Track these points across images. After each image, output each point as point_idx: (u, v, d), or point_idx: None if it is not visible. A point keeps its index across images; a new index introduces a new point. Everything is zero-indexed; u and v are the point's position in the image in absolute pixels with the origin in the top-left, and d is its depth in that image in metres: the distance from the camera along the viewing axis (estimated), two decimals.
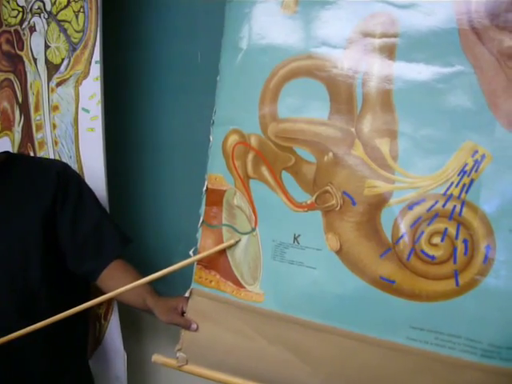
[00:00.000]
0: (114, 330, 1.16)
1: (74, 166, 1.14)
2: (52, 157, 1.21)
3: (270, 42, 0.78)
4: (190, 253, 0.85)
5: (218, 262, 0.83)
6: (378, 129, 0.70)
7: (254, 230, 0.80)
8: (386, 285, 0.69)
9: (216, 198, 0.84)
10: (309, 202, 0.75)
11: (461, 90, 0.65)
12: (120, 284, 0.94)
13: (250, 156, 0.81)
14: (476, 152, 0.64)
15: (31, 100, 1.23)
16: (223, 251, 0.82)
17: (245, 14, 0.81)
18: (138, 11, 1.18)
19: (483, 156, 0.64)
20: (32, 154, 1.24)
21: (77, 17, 1.11)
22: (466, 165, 0.65)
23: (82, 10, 1.10)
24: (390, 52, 0.69)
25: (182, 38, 1.12)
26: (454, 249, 0.65)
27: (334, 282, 0.73)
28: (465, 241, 0.65)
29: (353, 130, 0.71)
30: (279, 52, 0.77)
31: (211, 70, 0.87)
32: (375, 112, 0.70)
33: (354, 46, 0.72)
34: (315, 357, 0.75)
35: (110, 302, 1.15)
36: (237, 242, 0.82)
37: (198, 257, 0.84)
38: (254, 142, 0.80)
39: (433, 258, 0.67)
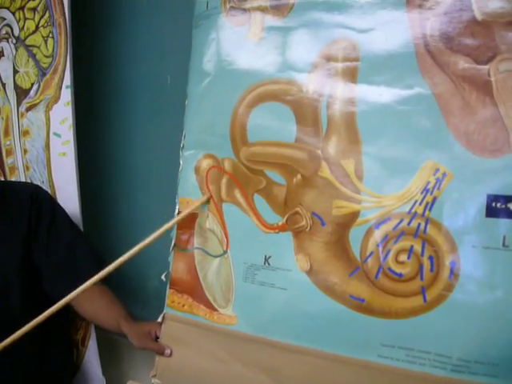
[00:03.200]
0: (92, 356, 1.14)
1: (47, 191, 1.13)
2: None
3: (237, 68, 0.80)
4: (162, 277, 0.85)
5: (190, 286, 0.83)
6: (342, 150, 0.71)
7: (225, 252, 0.81)
8: (356, 303, 0.70)
9: (188, 221, 0.85)
10: (280, 223, 0.76)
11: (421, 111, 0.67)
12: (95, 307, 0.94)
13: (224, 180, 0.82)
14: (437, 170, 0.66)
15: (0, 125, 1.22)
16: (195, 275, 0.82)
17: (211, 40, 0.82)
18: (107, 34, 1.19)
19: (444, 174, 0.66)
20: (3, 180, 1.23)
21: (46, 42, 1.11)
22: (428, 183, 0.66)
23: (51, 36, 1.10)
24: (352, 75, 0.71)
25: (152, 61, 1.13)
26: (421, 266, 0.67)
27: (304, 302, 0.73)
28: (430, 257, 0.66)
29: (319, 151, 0.73)
30: (246, 77, 0.79)
31: (181, 93, 0.88)
32: (340, 134, 0.72)
33: (318, 70, 0.74)
34: (289, 378, 0.75)
35: (87, 327, 1.13)
36: (208, 199, 0.82)
37: (169, 224, 0.83)
38: (227, 166, 0.81)
39: (400, 275, 0.68)
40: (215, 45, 0.82)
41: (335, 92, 0.72)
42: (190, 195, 0.85)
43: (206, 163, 0.84)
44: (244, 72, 0.79)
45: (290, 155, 0.75)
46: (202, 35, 0.84)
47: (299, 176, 0.75)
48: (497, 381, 0.63)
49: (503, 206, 0.62)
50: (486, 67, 0.63)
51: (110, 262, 1.02)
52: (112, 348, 1.27)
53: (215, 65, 0.82)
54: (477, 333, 0.64)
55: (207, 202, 0.83)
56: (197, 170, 0.85)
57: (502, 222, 0.62)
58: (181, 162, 0.86)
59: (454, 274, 0.65)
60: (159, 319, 0.85)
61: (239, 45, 0.80)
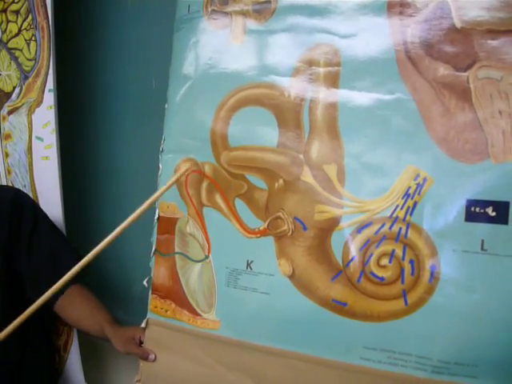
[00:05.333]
0: (74, 362, 1.13)
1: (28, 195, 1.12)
2: None
3: (219, 72, 0.80)
4: (144, 282, 0.85)
5: (172, 291, 0.83)
6: (325, 155, 0.72)
7: (207, 257, 0.81)
8: (339, 307, 0.70)
9: (168, 226, 0.84)
10: (261, 228, 0.76)
11: (401, 117, 0.68)
12: (78, 311, 0.93)
13: (204, 184, 0.81)
14: (418, 176, 0.67)
15: None
16: (177, 280, 0.82)
17: (193, 44, 0.82)
18: (91, 38, 1.18)
19: (425, 179, 0.66)
20: None
21: (28, 45, 1.10)
22: (409, 188, 0.67)
23: (33, 39, 1.09)
24: (333, 80, 0.72)
25: (137, 64, 1.13)
26: (402, 269, 0.67)
27: (287, 306, 0.74)
28: (411, 261, 0.67)
29: (301, 156, 0.73)
30: (228, 81, 0.79)
31: (166, 97, 0.88)
32: (322, 138, 0.72)
33: (299, 74, 0.74)
34: (273, 381, 0.75)
35: (69, 332, 1.12)
36: (187, 172, 0.81)
37: (155, 196, 0.80)
38: (208, 170, 0.81)
39: (382, 279, 0.68)
40: (196, 48, 0.82)
41: (317, 97, 0.72)
42: (170, 200, 0.84)
43: (185, 167, 0.83)
44: (225, 76, 0.79)
45: (272, 160, 0.75)
46: (184, 39, 0.83)
47: (281, 181, 0.75)
48: (476, 381, 0.63)
49: (482, 211, 0.63)
50: (465, 74, 0.64)
51: (93, 266, 1.02)
52: (96, 353, 1.26)
53: (196, 69, 0.82)
54: (456, 335, 0.65)
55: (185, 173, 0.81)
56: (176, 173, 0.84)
57: (481, 226, 0.63)
58: (160, 166, 0.86)
59: (434, 277, 0.66)
60: (143, 324, 0.85)
61: (221, 48, 0.80)
